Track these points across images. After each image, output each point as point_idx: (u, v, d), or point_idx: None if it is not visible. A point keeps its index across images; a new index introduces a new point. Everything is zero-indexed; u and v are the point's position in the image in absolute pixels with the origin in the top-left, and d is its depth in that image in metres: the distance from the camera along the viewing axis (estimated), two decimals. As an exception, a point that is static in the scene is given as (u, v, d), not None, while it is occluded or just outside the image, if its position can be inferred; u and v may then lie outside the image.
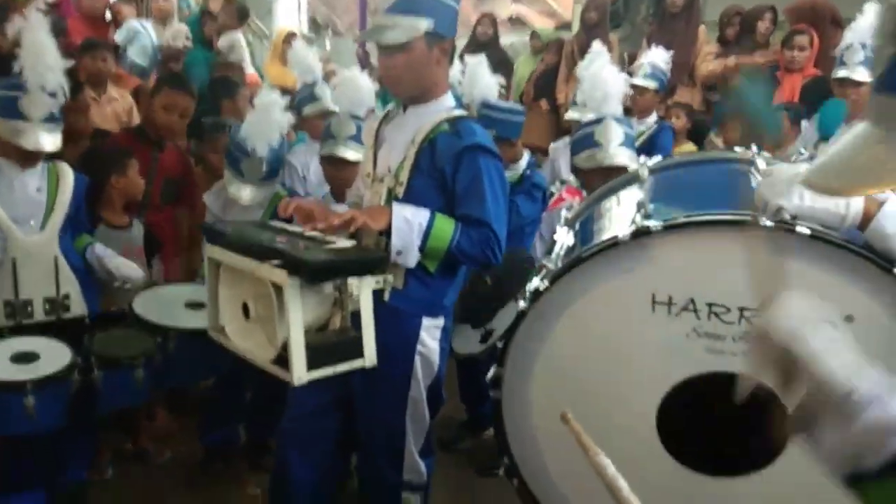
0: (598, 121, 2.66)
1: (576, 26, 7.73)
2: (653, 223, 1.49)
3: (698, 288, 1.48)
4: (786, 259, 1.27)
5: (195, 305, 2.51)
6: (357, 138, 2.61)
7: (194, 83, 4.64)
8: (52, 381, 2.11)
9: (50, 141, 2.38)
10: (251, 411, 2.93)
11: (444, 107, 2.02)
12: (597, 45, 3.38)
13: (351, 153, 2.62)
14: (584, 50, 5.57)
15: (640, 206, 1.59)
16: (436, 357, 2.06)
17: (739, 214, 1.44)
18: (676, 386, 1.55)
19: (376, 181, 2.05)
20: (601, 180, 2.55)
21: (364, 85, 2.62)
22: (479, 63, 3.20)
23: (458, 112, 2.02)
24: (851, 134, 0.81)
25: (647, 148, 3.82)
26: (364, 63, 5.56)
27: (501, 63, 6.18)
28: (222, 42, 4.93)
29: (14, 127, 2.32)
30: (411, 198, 1.95)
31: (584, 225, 1.90)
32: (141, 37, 4.77)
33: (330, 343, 1.74)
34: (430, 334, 2.03)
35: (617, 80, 2.85)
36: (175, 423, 3.13)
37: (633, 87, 4.34)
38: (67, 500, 2.52)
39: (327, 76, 4.05)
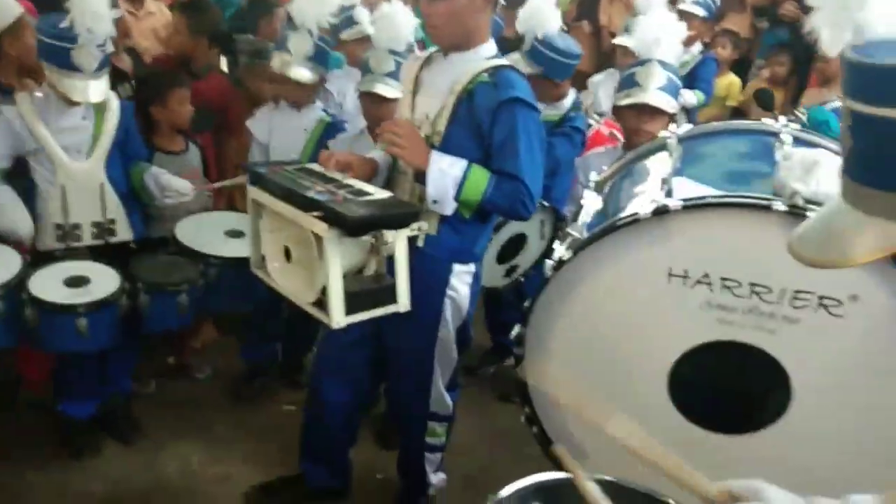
0: (643, 62, 2.64)
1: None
2: (672, 202, 1.54)
3: (713, 263, 1.55)
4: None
5: (235, 234, 2.62)
6: (395, 75, 2.61)
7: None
8: (103, 305, 2.28)
9: (99, 91, 2.44)
10: (288, 331, 3.10)
11: (485, 55, 2.02)
12: (658, 11, 3.13)
13: (390, 90, 2.63)
14: (630, -31, 5.37)
15: (664, 182, 1.64)
16: (465, 301, 2.15)
17: (755, 198, 1.48)
18: (689, 351, 1.64)
19: (416, 127, 2.09)
20: (635, 119, 2.60)
21: (403, 21, 2.60)
22: None
23: (499, 61, 2.02)
24: (828, 206, 0.86)
25: (688, 79, 3.77)
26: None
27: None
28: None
29: (66, 78, 2.37)
30: (448, 147, 1.99)
31: (612, 192, 1.95)
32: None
33: (366, 289, 1.84)
34: (460, 279, 2.12)
35: (673, 26, 2.76)
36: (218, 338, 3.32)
37: (680, 12, 4.23)
38: (114, 410, 2.73)
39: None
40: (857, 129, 0.78)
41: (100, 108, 2.55)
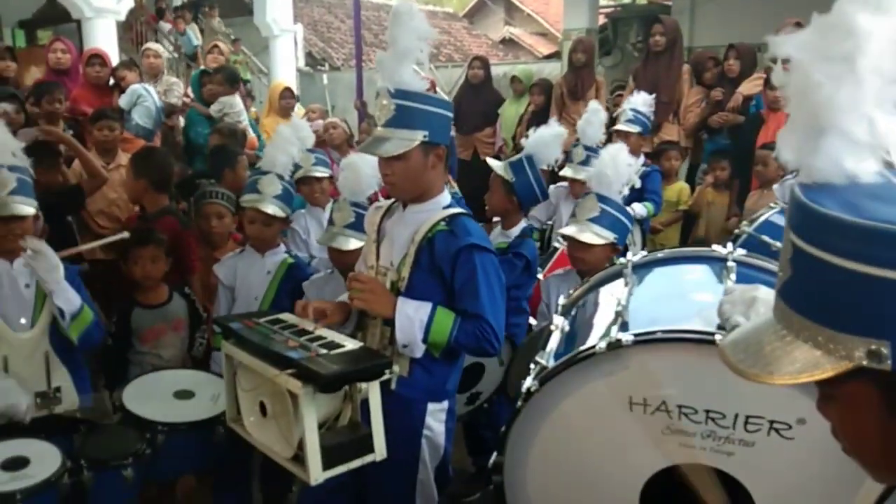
0: (585, 195, 2.84)
1: (565, 56, 7.94)
2: (625, 336, 1.66)
3: (668, 392, 1.65)
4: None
5: (185, 394, 2.57)
6: (357, 226, 2.75)
7: (197, 140, 4.84)
8: (43, 489, 2.10)
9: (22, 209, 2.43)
10: (265, 474, 3.07)
11: (441, 205, 2.18)
12: (612, 148, 3.15)
13: (350, 242, 2.76)
14: (573, 92, 5.79)
15: (618, 314, 1.76)
16: (441, 440, 2.20)
17: (700, 332, 1.60)
18: (656, 474, 1.72)
19: (380, 273, 2.21)
20: (573, 249, 2.84)
21: (366, 173, 2.77)
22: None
23: (454, 210, 2.17)
24: (759, 323, 0.90)
25: (636, 192, 4.00)
26: (362, 115, 5.73)
27: (495, 104, 6.37)
28: (214, 107, 5.11)
29: None
30: (413, 291, 2.10)
31: (577, 318, 2.08)
32: (144, 99, 4.95)
33: (343, 441, 1.89)
34: (435, 418, 2.18)
35: (623, 170, 2.92)
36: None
37: (617, 132, 4.55)
38: None
39: (309, 117, 4.18)
40: (797, 262, 0.82)
41: None
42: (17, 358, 2.45)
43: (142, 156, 3.58)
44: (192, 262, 3.28)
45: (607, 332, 1.72)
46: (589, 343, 1.74)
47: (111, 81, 5.14)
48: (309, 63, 10.64)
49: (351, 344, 1.98)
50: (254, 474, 3.05)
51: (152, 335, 3.00)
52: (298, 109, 5.93)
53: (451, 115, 2.18)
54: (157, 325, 2.99)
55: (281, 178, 2.99)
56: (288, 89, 5.82)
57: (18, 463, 2.18)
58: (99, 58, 5.09)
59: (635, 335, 1.66)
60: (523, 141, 3.46)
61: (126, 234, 2.55)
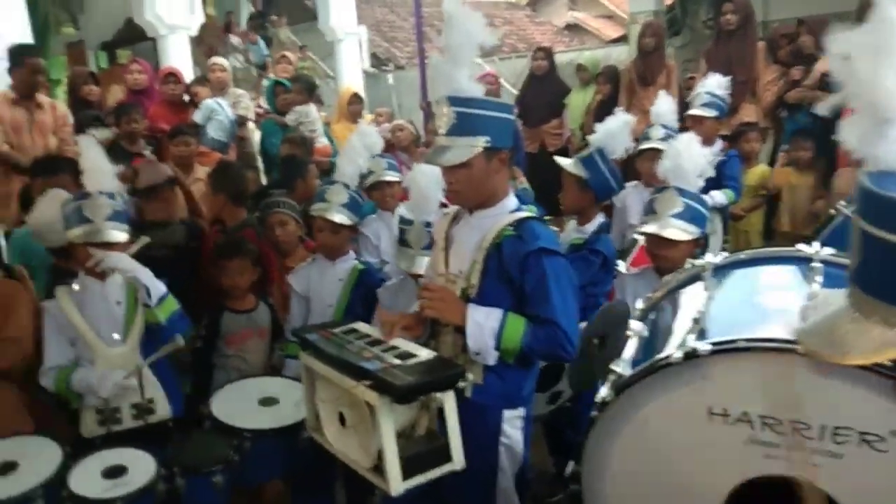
0: (662, 189, 2.74)
1: (633, 39, 7.72)
2: (702, 346, 1.59)
3: (750, 402, 1.58)
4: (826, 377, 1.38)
5: (270, 401, 2.66)
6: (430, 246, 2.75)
7: (272, 151, 4.96)
8: (140, 495, 2.24)
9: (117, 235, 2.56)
10: (348, 473, 3.12)
11: (507, 209, 2.16)
12: (684, 139, 2.96)
13: (421, 267, 2.73)
14: (643, 78, 5.63)
15: (695, 321, 1.70)
16: (520, 447, 2.19)
17: (781, 341, 1.50)
18: (739, 486, 1.65)
19: (449, 281, 2.21)
20: (654, 246, 2.73)
21: (429, 186, 2.76)
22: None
23: (521, 214, 2.15)
24: (833, 310, 0.93)
25: (714, 179, 3.85)
26: (427, 115, 5.73)
27: (561, 95, 6.27)
28: (290, 117, 5.23)
29: (82, 229, 2.52)
30: (483, 298, 2.09)
31: (654, 324, 2.02)
32: (217, 113, 5.12)
33: (421, 451, 1.90)
34: (512, 425, 2.16)
35: (698, 160, 2.79)
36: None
37: (692, 117, 4.38)
38: None
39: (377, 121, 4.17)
40: (866, 246, 0.86)
41: (131, 292, 2.66)
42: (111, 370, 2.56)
43: (219, 171, 3.71)
44: (271, 273, 3.37)
45: (684, 341, 1.66)
46: (666, 352, 1.68)
47: (186, 98, 5.33)
48: (374, 64, 10.76)
49: (424, 353, 1.99)
50: (337, 478, 3.12)
51: (238, 339, 3.12)
52: (366, 114, 6.00)
53: (512, 117, 2.15)
54: (244, 329, 3.11)
55: (348, 187, 3.04)
56: (356, 95, 5.89)
57: (117, 471, 2.33)
58: (173, 76, 5.30)
59: (713, 344, 1.59)
60: (590, 137, 3.37)
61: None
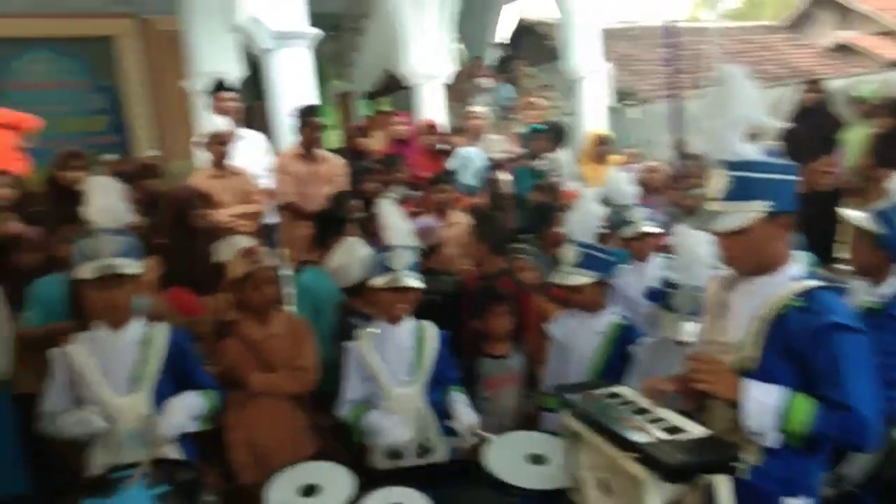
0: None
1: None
2: None
3: None
4: None
5: (537, 459, 2.60)
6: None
7: (523, 195, 5.10)
8: None
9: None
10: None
11: (790, 276, 1.98)
12: None
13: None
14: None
15: None
16: (803, 539, 1.98)
17: None
18: None
19: (722, 351, 2.07)
20: None
21: (702, 259, 2.61)
22: None
23: (810, 283, 1.95)
24: None
25: None
26: (679, 152, 5.49)
27: (833, 129, 5.69)
28: (542, 163, 5.34)
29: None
30: (763, 373, 1.92)
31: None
32: (470, 161, 5.39)
33: (690, 533, 1.80)
34: (793, 515, 1.97)
35: None
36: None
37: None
38: None
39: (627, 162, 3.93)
40: None
41: (421, 337, 2.86)
42: (399, 410, 2.77)
43: (482, 222, 3.89)
44: (527, 321, 3.44)
45: None
46: None
47: (443, 147, 5.69)
48: (619, 98, 10.63)
49: (695, 429, 1.88)
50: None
51: (494, 384, 3.23)
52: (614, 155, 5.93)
53: (795, 177, 1.98)
54: (499, 375, 3.21)
55: (582, 245, 3.00)
56: (603, 136, 5.86)
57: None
58: (431, 127, 5.70)
59: None
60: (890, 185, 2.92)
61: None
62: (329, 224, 3.85)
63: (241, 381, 2.94)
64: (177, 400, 2.52)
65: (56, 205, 4.08)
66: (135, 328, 2.54)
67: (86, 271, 2.36)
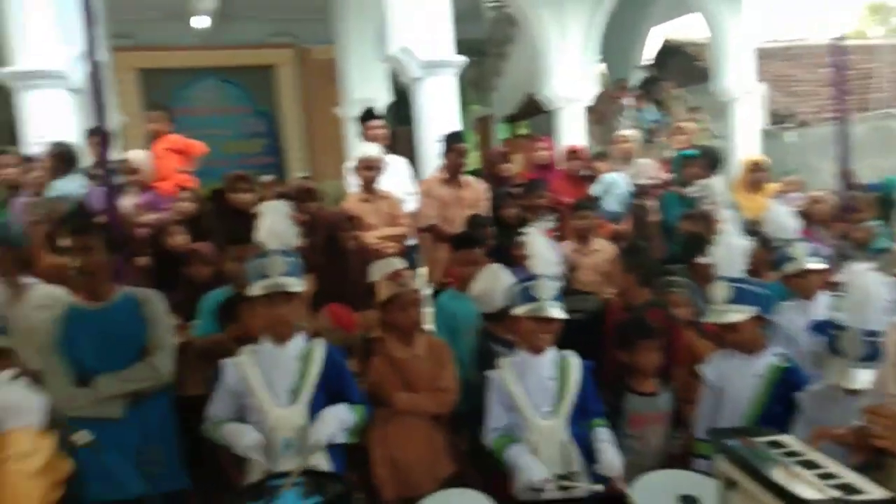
0: None
1: None
2: None
3: None
4: None
5: (688, 500, 2.48)
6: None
7: (671, 222, 4.93)
8: None
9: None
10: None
11: None
12: None
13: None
14: None
15: None
16: None
17: None
18: None
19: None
20: None
21: (878, 302, 2.39)
22: None
23: None
24: None
25: None
26: (846, 182, 5.03)
27: None
28: (692, 189, 5.13)
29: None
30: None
31: None
32: (615, 187, 5.27)
33: None
34: None
35: None
36: None
37: None
38: None
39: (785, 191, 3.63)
40: None
41: (564, 368, 2.82)
42: (542, 442, 2.74)
43: (631, 252, 3.80)
44: (677, 358, 3.30)
45: None
46: None
47: (586, 172, 5.62)
48: (774, 121, 10.05)
49: (874, 490, 1.71)
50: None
51: (640, 422, 3.11)
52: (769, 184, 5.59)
53: None
54: (646, 412, 3.10)
55: (730, 280, 2.84)
56: (759, 161, 5.55)
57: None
58: (574, 152, 5.65)
59: None
60: None
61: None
62: (464, 246, 3.90)
63: (386, 399, 3.02)
64: (329, 411, 2.64)
65: (221, 223, 4.41)
66: (296, 343, 2.70)
67: (256, 289, 2.55)
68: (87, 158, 5.05)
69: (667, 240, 4.99)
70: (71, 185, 4.62)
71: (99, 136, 3.86)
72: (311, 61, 11.32)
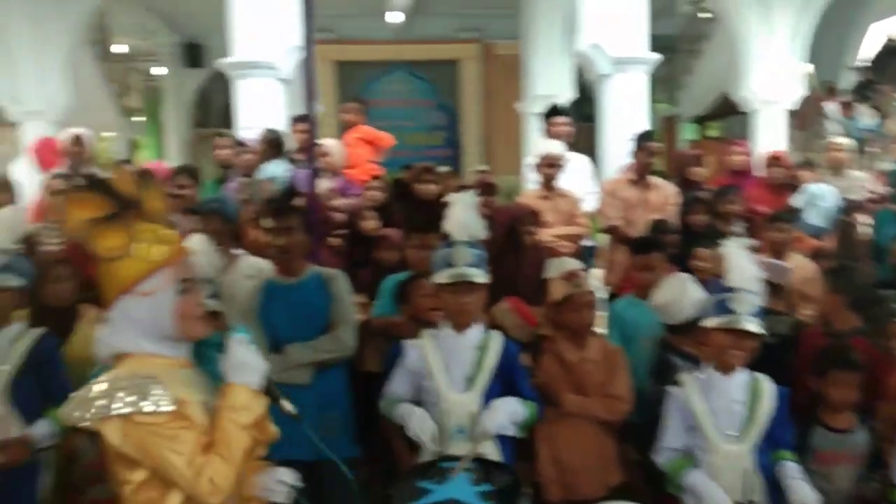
0: None
1: None
2: None
3: None
4: None
5: None
6: None
7: (882, 242, 4.43)
8: None
9: None
10: None
11: None
12: None
13: None
14: None
15: None
16: None
17: None
18: None
19: None
20: None
21: None
22: None
23: None
24: None
25: None
26: None
27: None
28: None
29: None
30: None
31: None
32: (820, 199, 4.82)
33: None
34: None
35: None
36: None
37: None
38: None
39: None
40: None
41: (756, 391, 2.61)
42: (723, 468, 2.55)
43: (841, 272, 3.46)
44: (884, 393, 2.96)
45: None
46: None
47: (788, 182, 5.18)
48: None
49: None
50: None
51: (827, 459, 2.85)
52: None
53: None
54: (836, 450, 2.83)
55: None
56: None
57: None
58: (777, 159, 5.23)
59: None
60: None
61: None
62: (644, 251, 3.74)
63: (555, 400, 2.98)
64: (501, 402, 2.66)
65: (406, 210, 4.58)
66: (475, 332, 2.74)
67: (442, 277, 2.62)
68: (291, 144, 5.45)
69: (877, 262, 4.49)
70: (278, 169, 5.01)
71: (306, 123, 4.14)
72: (495, 56, 11.46)
